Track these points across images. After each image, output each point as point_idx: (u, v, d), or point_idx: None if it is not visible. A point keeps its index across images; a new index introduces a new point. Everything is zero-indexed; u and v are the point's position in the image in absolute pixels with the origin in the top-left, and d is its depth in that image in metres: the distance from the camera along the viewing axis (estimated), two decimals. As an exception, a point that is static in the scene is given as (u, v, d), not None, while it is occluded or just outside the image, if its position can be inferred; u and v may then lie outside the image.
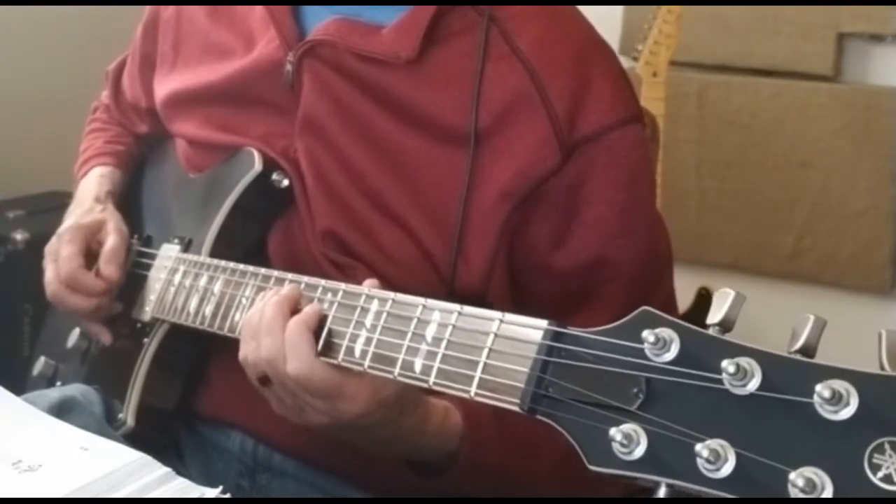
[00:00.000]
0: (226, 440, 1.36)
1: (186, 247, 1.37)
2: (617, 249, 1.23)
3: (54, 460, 1.06)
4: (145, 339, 1.35)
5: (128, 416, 1.31)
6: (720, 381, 0.69)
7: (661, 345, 0.73)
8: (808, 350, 0.69)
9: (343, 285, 1.06)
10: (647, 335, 0.74)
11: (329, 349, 1.04)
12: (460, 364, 0.90)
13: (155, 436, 1.32)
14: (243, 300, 1.19)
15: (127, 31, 1.65)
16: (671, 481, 0.71)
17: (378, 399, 1.04)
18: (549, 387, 0.80)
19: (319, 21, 1.30)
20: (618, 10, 2.95)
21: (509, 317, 0.88)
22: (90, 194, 1.52)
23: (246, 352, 1.10)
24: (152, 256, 1.43)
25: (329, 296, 1.07)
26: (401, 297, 1.00)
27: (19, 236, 2.49)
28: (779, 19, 2.81)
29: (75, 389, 1.35)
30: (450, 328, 0.93)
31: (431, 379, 0.92)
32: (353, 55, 1.26)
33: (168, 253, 1.39)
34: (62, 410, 1.27)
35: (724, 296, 0.74)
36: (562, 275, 1.24)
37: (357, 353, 1.01)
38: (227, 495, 1.01)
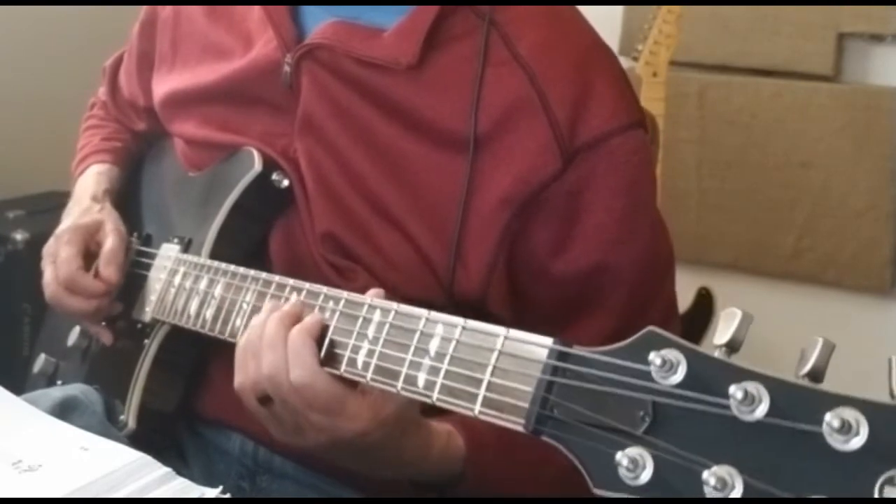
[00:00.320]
0: (226, 442, 1.36)
1: (186, 247, 1.36)
2: (618, 256, 1.22)
3: (54, 460, 1.06)
4: (146, 341, 1.34)
5: (129, 417, 1.31)
6: (727, 407, 0.69)
7: (668, 367, 0.72)
8: (817, 374, 0.68)
9: (345, 294, 1.06)
10: (654, 357, 0.73)
11: (331, 359, 1.03)
12: (464, 381, 0.89)
13: (156, 437, 1.32)
14: (244, 305, 1.18)
15: (126, 31, 1.64)
16: (678, 508, 0.71)
17: (379, 419, 1.03)
18: (553, 407, 0.79)
19: (318, 22, 1.29)
20: (618, 10, 2.95)
21: (514, 333, 0.87)
22: (88, 193, 1.51)
23: (244, 376, 1.08)
24: (152, 256, 1.42)
25: (331, 304, 1.06)
26: (404, 308, 0.99)
27: (19, 236, 2.49)
28: (779, 19, 2.80)
29: (77, 389, 1.35)
30: (453, 343, 0.92)
31: (435, 395, 0.92)
32: (352, 59, 1.25)
33: (168, 253, 1.38)
34: (65, 410, 1.28)
35: (732, 316, 0.73)
36: (562, 281, 1.23)
37: (359, 364, 1.00)
38: (227, 495, 1.01)
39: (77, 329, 1.50)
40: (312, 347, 1.03)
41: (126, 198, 1.56)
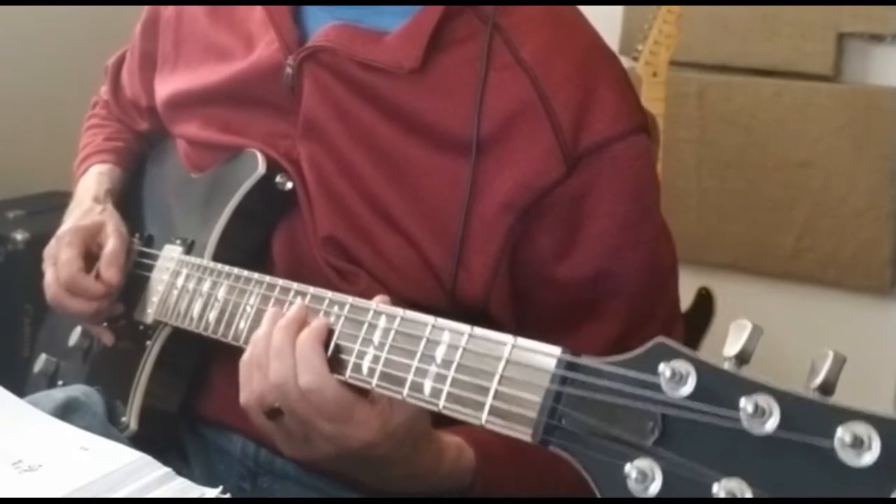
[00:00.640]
0: (228, 443, 1.36)
1: (189, 248, 1.36)
2: (621, 261, 1.22)
3: (54, 460, 1.06)
4: (148, 342, 1.34)
5: (130, 419, 1.31)
6: (738, 420, 0.69)
7: (678, 379, 0.72)
8: (828, 387, 0.68)
9: (350, 299, 1.05)
10: (664, 369, 0.73)
11: (336, 365, 1.03)
12: (471, 389, 0.89)
13: (158, 438, 1.32)
14: (248, 308, 1.18)
15: (127, 31, 1.64)
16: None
17: (387, 429, 1.02)
18: (562, 418, 0.79)
19: (320, 24, 1.29)
20: (618, 10, 2.95)
21: (521, 342, 0.87)
22: (89, 193, 1.51)
23: (249, 390, 1.07)
24: (154, 257, 1.42)
25: (336, 309, 1.06)
26: (410, 314, 0.99)
27: (19, 236, 2.49)
28: (779, 19, 2.80)
29: (78, 390, 1.34)
30: (460, 350, 0.91)
31: (441, 402, 0.91)
32: (354, 62, 1.25)
33: (170, 254, 1.38)
34: (66, 411, 1.27)
35: (741, 328, 0.73)
36: (565, 286, 1.22)
37: (365, 370, 1.00)
38: (227, 495, 1.01)
39: (78, 329, 1.50)
40: (321, 352, 1.03)
41: (128, 198, 1.56)
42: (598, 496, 0.74)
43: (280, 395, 1.04)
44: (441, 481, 1.12)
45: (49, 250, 1.43)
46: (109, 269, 1.39)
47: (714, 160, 2.92)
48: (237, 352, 1.12)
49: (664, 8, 2.56)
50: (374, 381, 0.98)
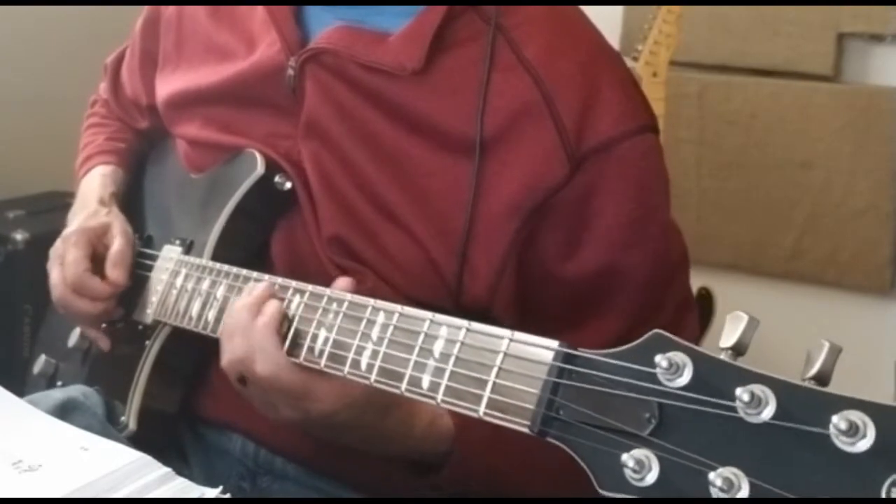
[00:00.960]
0: (227, 443, 1.36)
1: (188, 249, 1.36)
2: (627, 259, 1.22)
3: (54, 460, 1.06)
4: (147, 342, 1.34)
5: (130, 419, 1.31)
6: (734, 409, 0.69)
7: (675, 370, 0.73)
8: (823, 377, 0.68)
9: (349, 296, 1.06)
10: (660, 360, 0.73)
11: (335, 361, 1.03)
12: (469, 382, 0.89)
13: (158, 438, 1.32)
14: None
15: (126, 30, 1.64)
16: (684, 509, 0.70)
17: (345, 400, 1.07)
18: (559, 409, 0.80)
19: (322, 25, 1.29)
20: (618, 10, 2.95)
21: (518, 335, 0.87)
22: (94, 196, 1.51)
23: (224, 358, 1.14)
24: (153, 257, 1.42)
25: (334, 306, 1.06)
26: (408, 310, 0.99)
27: (19, 236, 2.49)
28: (779, 19, 2.80)
29: (77, 390, 1.34)
30: (458, 345, 0.92)
31: (439, 396, 0.92)
32: (357, 64, 1.25)
33: (169, 254, 1.38)
34: (66, 411, 1.27)
35: (738, 319, 0.73)
36: (571, 284, 1.22)
37: (363, 366, 1.00)
38: (227, 495, 1.01)
39: (78, 330, 1.50)
40: (274, 341, 1.08)
41: (128, 199, 1.56)
42: (595, 486, 0.74)
43: (242, 368, 1.10)
44: (417, 444, 1.15)
45: (55, 251, 1.43)
46: (116, 269, 1.39)
47: (714, 160, 2.92)
48: None
49: (664, 8, 2.56)
50: (373, 377, 0.99)
